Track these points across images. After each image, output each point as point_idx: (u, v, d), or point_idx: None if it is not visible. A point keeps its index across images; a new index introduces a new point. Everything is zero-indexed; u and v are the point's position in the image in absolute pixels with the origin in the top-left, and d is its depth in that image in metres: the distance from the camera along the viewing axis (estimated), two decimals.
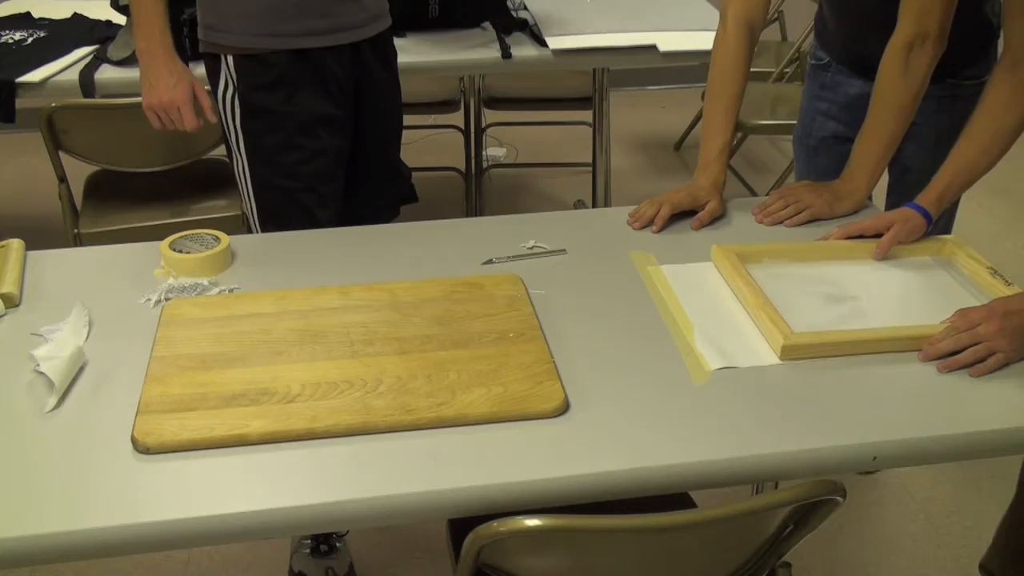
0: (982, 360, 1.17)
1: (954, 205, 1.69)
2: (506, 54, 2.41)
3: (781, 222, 1.51)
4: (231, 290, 1.34)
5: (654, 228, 1.49)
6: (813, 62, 1.86)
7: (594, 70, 2.89)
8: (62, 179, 2.25)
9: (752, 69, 1.64)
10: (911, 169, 1.74)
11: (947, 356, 1.18)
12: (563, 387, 1.12)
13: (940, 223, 1.54)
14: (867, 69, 1.61)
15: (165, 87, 1.69)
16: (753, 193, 3.36)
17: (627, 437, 1.06)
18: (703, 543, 1.05)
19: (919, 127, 1.65)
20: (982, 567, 1.54)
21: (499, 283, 1.33)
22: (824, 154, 1.88)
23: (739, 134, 3.27)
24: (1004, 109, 1.40)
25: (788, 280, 1.36)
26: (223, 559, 1.95)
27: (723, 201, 1.54)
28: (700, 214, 1.51)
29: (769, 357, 1.20)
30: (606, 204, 3.11)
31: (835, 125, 1.83)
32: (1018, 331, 1.18)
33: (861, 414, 1.10)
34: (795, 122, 3.10)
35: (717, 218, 1.53)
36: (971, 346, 1.17)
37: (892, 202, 1.80)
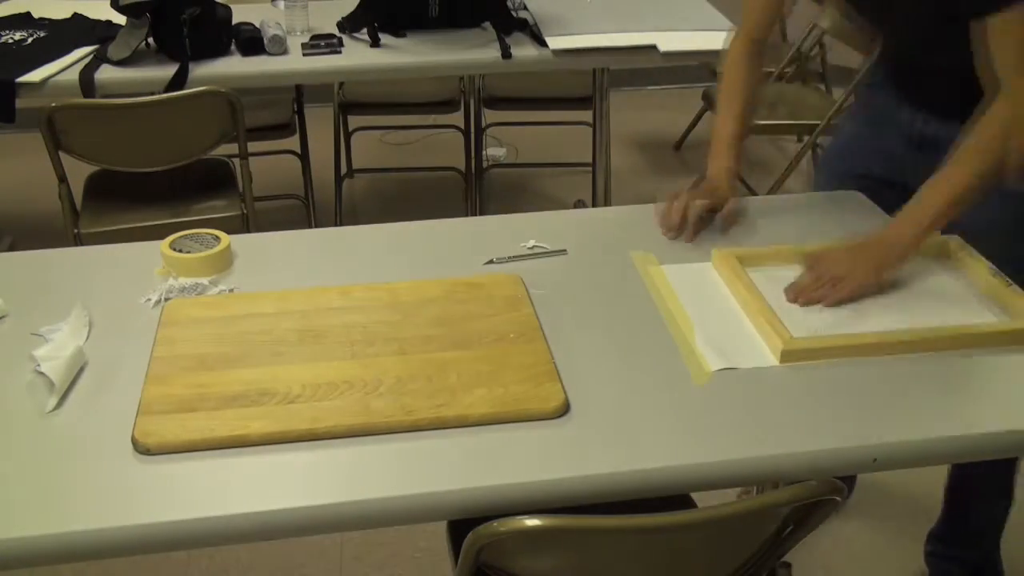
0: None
1: None
2: (506, 54, 2.41)
3: (817, 303, 1.31)
4: (231, 290, 1.34)
5: (686, 239, 1.48)
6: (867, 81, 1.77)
7: (594, 70, 2.89)
8: (62, 179, 2.25)
9: None
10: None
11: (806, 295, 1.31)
12: (563, 388, 1.12)
13: None
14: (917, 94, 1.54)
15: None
16: (753, 193, 3.36)
17: (627, 437, 1.06)
18: (703, 543, 1.05)
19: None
20: None
21: (499, 283, 1.33)
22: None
23: None
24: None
25: (788, 283, 1.36)
26: (223, 560, 1.95)
27: (734, 191, 1.54)
28: (723, 216, 1.51)
29: (769, 358, 1.20)
30: (606, 204, 3.11)
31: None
32: (863, 259, 1.31)
33: (861, 415, 1.10)
34: (795, 122, 3.08)
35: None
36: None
37: None
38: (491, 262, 1.42)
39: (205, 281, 1.35)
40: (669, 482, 1.03)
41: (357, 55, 2.45)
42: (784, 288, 1.33)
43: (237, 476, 1.00)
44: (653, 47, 2.39)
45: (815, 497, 0.97)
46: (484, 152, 3.47)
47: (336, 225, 3.23)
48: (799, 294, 1.32)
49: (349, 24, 2.56)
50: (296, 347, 1.19)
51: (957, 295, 1.34)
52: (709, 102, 3.33)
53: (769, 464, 1.05)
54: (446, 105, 3.13)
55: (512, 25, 2.54)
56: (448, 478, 1.00)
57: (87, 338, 1.23)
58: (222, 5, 2.41)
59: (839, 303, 1.30)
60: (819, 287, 1.31)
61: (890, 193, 1.56)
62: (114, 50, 2.33)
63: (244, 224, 2.37)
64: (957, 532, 1.82)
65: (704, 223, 1.51)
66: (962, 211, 1.32)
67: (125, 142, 2.23)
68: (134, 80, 2.30)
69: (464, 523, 1.03)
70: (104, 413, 1.09)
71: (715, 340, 1.23)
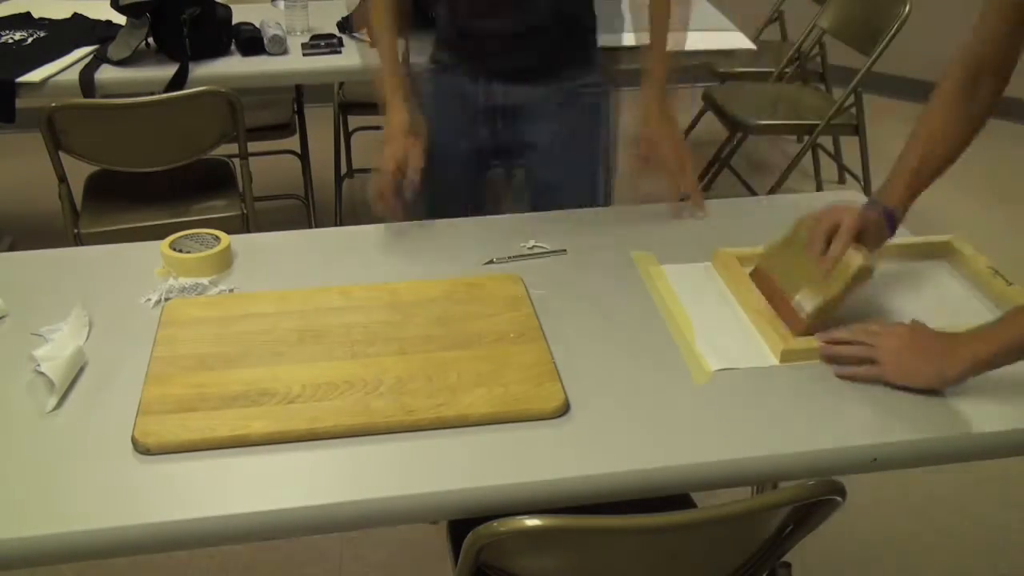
0: (861, 364, 1.16)
1: None
2: None
3: (839, 360, 1.19)
4: (231, 290, 1.34)
5: (388, 209, 1.51)
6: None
7: None
8: (62, 179, 2.25)
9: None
10: (539, 183, 1.75)
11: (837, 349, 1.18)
12: (563, 388, 1.12)
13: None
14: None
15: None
16: (753, 193, 3.36)
17: (627, 437, 1.06)
18: (703, 543, 1.05)
19: (536, 138, 1.70)
20: None
21: (499, 283, 1.33)
22: None
23: (739, 134, 3.27)
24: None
25: None
26: (224, 560, 1.95)
27: (417, 129, 1.56)
28: (409, 176, 1.52)
29: (769, 358, 1.20)
30: (606, 204, 3.10)
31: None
32: (907, 355, 1.14)
33: (861, 415, 1.10)
34: (795, 122, 3.09)
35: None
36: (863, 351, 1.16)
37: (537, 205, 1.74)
38: (491, 262, 1.42)
39: (205, 281, 1.35)
40: (669, 482, 1.03)
41: (357, 55, 2.45)
42: (823, 335, 1.20)
43: (237, 476, 1.00)
44: None
45: (815, 497, 0.97)
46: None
47: (336, 225, 3.23)
48: (835, 355, 1.18)
49: (349, 24, 2.56)
50: (296, 347, 1.19)
51: (957, 295, 1.34)
52: (710, 102, 3.33)
53: (769, 464, 1.05)
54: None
55: None
56: (448, 478, 1.00)
57: (87, 338, 1.23)
58: (222, 5, 2.41)
59: (859, 380, 1.16)
60: (853, 354, 1.17)
61: (477, 173, 1.76)
62: (114, 50, 2.33)
63: (244, 224, 2.37)
64: None
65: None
66: None
67: (125, 142, 2.23)
68: (134, 80, 2.30)
69: (464, 523, 1.03)
70: (104, 413, 1.09)
71: (715, 340, 1.23)
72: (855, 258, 1.18)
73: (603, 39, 1.72)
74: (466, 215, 1.58)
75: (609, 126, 1.74)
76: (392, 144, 1.53)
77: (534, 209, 1.64)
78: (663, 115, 1.58)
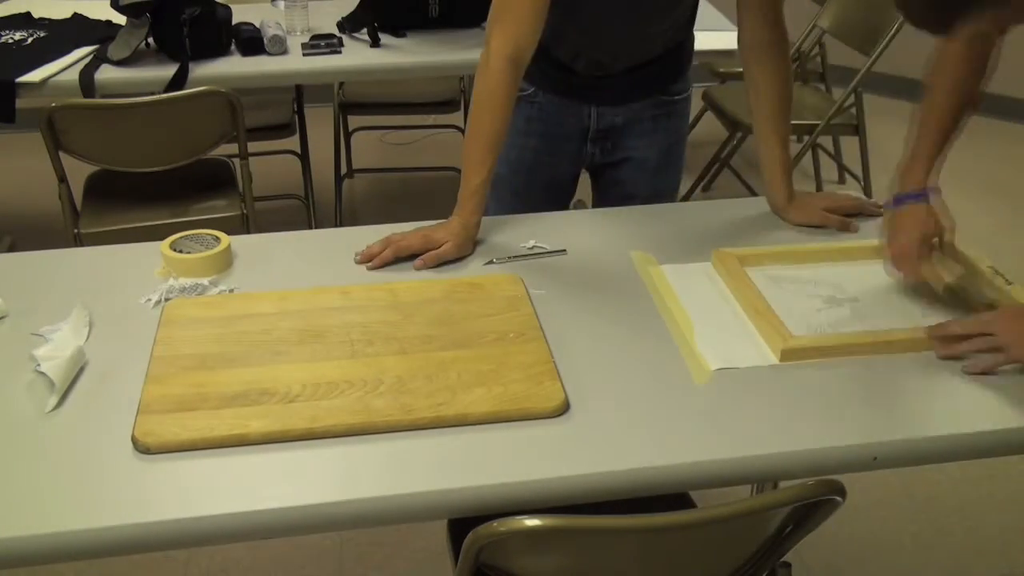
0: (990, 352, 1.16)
1: None
2: None
3: (959, 358, 1.19)
4: (231, 290, 1.34)
5: (370, 266, 1.38)
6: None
7: None
8: (62, 179, 2.25)
9: None
10: (635, 196, 1.76)
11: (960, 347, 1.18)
12: (563, 387, 1.12)
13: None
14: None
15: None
16: (753, 193, 3.36)
17: (627, 437, 1.06)
18: (703, 543, 1.05)
19: (638, 154, 1.72)
20: None
21: (499, 283, 1.33)
22: None
23: (739, 134, 3.27)
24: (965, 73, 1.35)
25: (788, 283, 1.36)
26: (223, 559, 1.95)
27: (467, 245, 1.42)
28: (424, 256, 1.38)
29: (769, 357, 1.20)
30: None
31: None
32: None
33: (861, 414, 1.10)
34: (795, 122, 3.08)
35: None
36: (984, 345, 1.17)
37: None
38: (491, 262, 1.42)
39: (205, 281, 1.35)
40: (669, 481, 1.03)
41: (357, 55, 2.45)
42: (932, 326, 1.21)
43: (237, 475, 1.00)
44: None
45: (815, 497, 0.97)
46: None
47: (336, 225, 3.24)
48: (949, 346, 1.19)
49: (349, 24, 2.57)
50: (296, 347, 1.19)
51: (957, 295, 1.34)
52: (710, 102, 3.33)
53: (769, 464, 1.05)
54: (446, 105, 3.13)
55: None
56: (448, 477, 1.00)
57: (87, 338, 1.23)
58: (222, 5, 2.41)
59: (990, 370, 1.17)
60: (978, 348, 1.18)
61: (572, 185, 1.80)
62: (114, 50, 2.33)
63: (244, 224, 2.37)
64: None
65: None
66: None
67: (125, 142, 2.23)
68: (134, 80, 2.30)
69: (464, 522, 1.03)
70: (104, 413, 1.09)
71: (715, 339, 1.23)
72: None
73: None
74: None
75: (686, 137, 1.81)
76: (435, 235, 1.41)
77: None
78: (793, 192, 1.59)
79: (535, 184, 1.76)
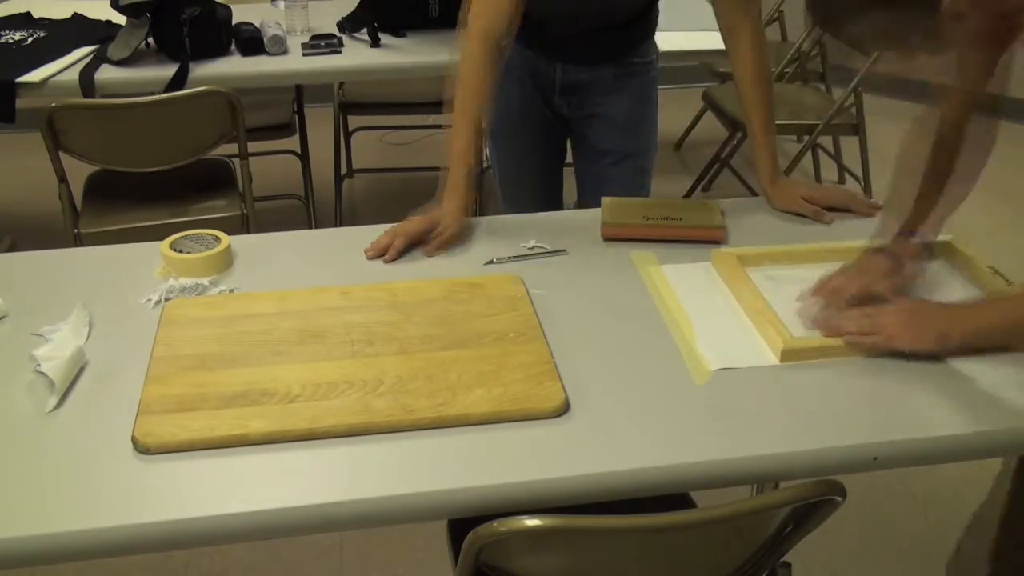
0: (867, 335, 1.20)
1: None
2: None
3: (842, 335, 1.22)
4: (231, 290, 1.34)
5: (386, 258, 1.40)
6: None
7: None
8: (62, 179, 2.25)
9: None
10: (608, 153, 1.88)
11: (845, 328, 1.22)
12: (563, 387, 1.12)
13: None
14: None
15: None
16: (753, 193, 3.36)
17: (627, 437, 1.06)
18: (703, 543, 1.05)
19: (603, 110, 1.84)
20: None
21: (499, 283, 1.33)
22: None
23: (739, 134, 3.27)
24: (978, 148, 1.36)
25: (788, 283, 1.36)
26: (223, 559, 1.95)
27: (465, 226, 1.47)
28: (431, 244, 1.42)
29: (770, 358, 1.20)
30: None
31: None
32: (907, 318, 1.20)
33: (861, 414, 1.10)
34: (795, 122, 3.10)
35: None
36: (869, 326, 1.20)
37: (586, 188, 1.95)
38: (491, 262, 1.42)
39: (205, 281, 1.35)
40: (669, 481, 1.03)
41: (357, 55, 2.45)
42: (811, 288, 1.28)
43: (237, 476, 1.00)
44: None
45: (815, 497, 0.97)
46: (484, 152, 3.46)
47: (336, 225, 3.23)
48: (837, 328, 1.22)
49: (349, 24, 2.57)
50: (296, 347, 1.19)
51: (957, 295, 1.34)
52: (710, 102, 3.33)
53: (769, 464, 1.05)
54: (446, 105, 3.13)
55: None
56: (448, 477, 1.00)
57: (87, 338, 1.23)
58: (222, 5, 2.41)
59: (874, 350, 1.20)
60: (860, 325, 1.21)
61: (554, 135, 1.93)
62: (114, 50, 2.33)
63: (244, 224, 2.37)
64: None
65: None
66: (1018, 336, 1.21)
67: (125, 142, 2.23)
68: (134, 80, 2.30)
69: (464, 523, 1.03)
70: (104, 413, 1.09)
71: (715, 339, 1.23)
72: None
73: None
74: (539, 176, 1.94)
75: (656, 102, 1.90)
76: (433, 219, 1.44)
77: (587, 177, 1.92)
78: (777, 175, 1.61)
79: (525, 130, 1.91)
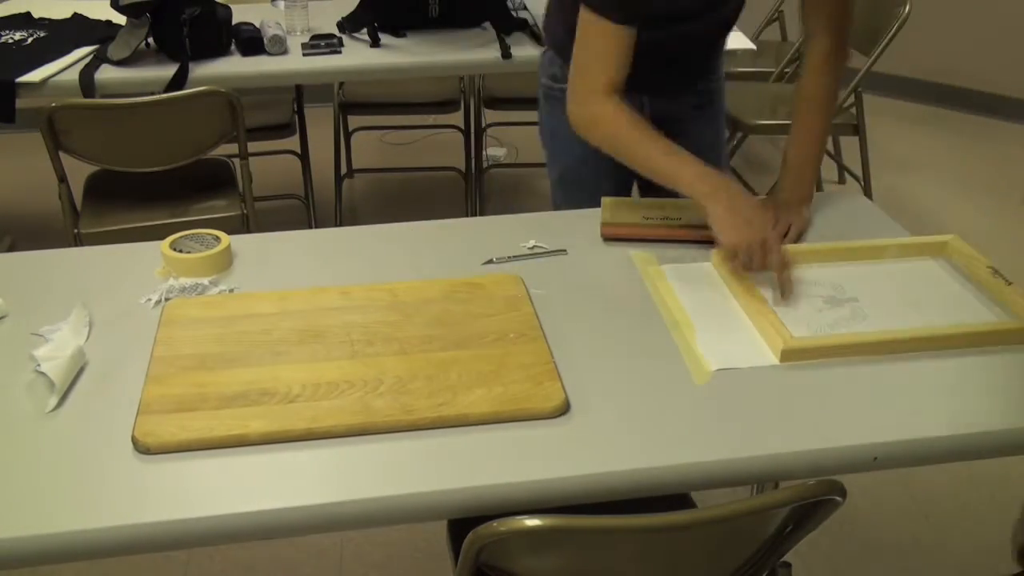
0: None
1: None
2: (506, 54, 2.41)
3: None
4: (231, 290, 1.34)
5: (784, 296, 1.33)
6: None
7: None
8: (62, 179, 2.25)
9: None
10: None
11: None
12: (563, 387, 1.12)
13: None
14: None
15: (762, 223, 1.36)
16: (753, 193, 3.36)
17: (627, 437, 1.06)
18: (703, 543, 1.05)
19: (690, 140, 1.61)
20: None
21: (499, 283, 1.33)
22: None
23: (739, 134, 3.27)
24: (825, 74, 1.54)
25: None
26: (223, 560, 1.95)
27: (770, 209, 1.48)
28: (784, 274, 1.33)
29: (769, 358, 1.20)
30: None
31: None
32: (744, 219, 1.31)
33: (861, 414, 1.10)
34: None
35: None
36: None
37: None
38: (491, 262, 1.42)
39: (205, 281, 1.35)
40: (669, 481, 1.03)
41: (357, 55, 2.45)
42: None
43: (237, 476, 1.00)
44: None
45: (815, 497, 0.97)
46: (484, 152, 3.47)
47: (336, 225, 3.23)
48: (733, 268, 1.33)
49: (349, 24, 2.57)
50: (296, 347, 1.19)
51: (957, 295, 1.34)
52: None
53: (769, 464, 1.05)
54: (446, 105, 3.13)
55: (512, 25, 2.55)
56: (448, 477, 1.00)
57: (87, 338, 1.23)
58: (222, 5, 2.41)
59: (784, 264, 1.31)
60: (752, 256, 1.31)
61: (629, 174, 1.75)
62: (114, 50, 2.33)
63: (244, 224, 2.37)
64: None
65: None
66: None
67: (125, 142, 2.23)
68: (134, 80, 2.30)
69: (464, 523, 1.03)
70: (104, 413, 1.09)
71: (715, 340, 1.23)
72: None
73: None
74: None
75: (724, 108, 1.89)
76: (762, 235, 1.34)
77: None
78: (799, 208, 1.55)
79: (600, 172, 1.73)
